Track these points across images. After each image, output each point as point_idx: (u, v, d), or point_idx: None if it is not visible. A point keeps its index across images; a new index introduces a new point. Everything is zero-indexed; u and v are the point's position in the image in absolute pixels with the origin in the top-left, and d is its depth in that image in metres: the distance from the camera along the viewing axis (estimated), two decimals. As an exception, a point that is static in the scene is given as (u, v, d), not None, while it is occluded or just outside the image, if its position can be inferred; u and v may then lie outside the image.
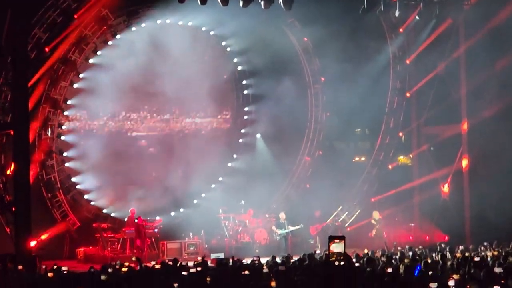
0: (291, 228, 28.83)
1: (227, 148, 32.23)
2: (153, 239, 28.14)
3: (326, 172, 31.39)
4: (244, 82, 32.66)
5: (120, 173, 29.29)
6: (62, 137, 28.38)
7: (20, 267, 18.99)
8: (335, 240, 19.15)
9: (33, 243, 23.65)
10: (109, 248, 27.41)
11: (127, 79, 29.09)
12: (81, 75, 28.27)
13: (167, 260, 22.37)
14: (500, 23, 28.70)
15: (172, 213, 30.57)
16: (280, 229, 28.78)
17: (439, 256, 19.42)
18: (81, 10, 26.61)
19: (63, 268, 17.94)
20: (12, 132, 23.85)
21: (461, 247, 22.97)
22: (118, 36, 28.31)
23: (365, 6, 27.37)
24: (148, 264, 20.39)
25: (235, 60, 32.16)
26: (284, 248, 28.01)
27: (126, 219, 28.24)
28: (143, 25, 28.92)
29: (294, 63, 32.08)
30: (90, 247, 28.02)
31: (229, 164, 32.48)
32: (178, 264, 18.66)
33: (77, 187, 28.97)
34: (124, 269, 17.12)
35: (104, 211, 29.40)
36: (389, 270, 15.50)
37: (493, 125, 29.13)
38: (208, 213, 29.98)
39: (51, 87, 27.28)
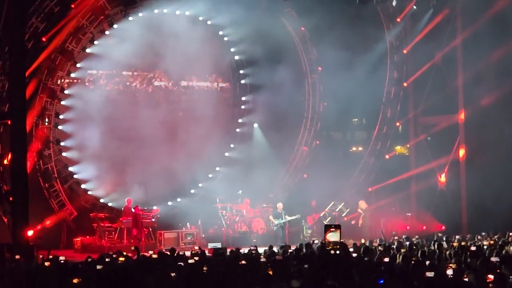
0: (288, 218, 28.87)
1: (224, 136, 32.20)
2: (150, 229, 28.15)
3: (323, 162, 31.39)
4: (241, 71, 32.65)
5: (118, 163, 29.24)
6: (59, 127, 28.35)
7: (17, 256, 19.00)
8: (331, 229, 19.18)
9: (30, 233, 23.65)
10: (106, 238, 27.44)
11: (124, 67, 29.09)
12: (78, 65, 28.25)
13: (164, 250, 22.39)
14: (497, 12, 28.71)
15: (169, 203, 30.55)
16: (277, 219, 28.80)
17: (436, 245, 19.45)
18: (78, 0, 26.57)
19: (61, 258, 17.92)
20: (9, 122, 23.77)
21: (458, 237, 23.05)
22: (115, 26, 28.28)
23: (362, -4, 27.41)
24: (145, 254, 20.38)
25: (232, 49, 32.13)
26: (281, 238, 28.07)
27: (123, 209, 28.27)
28: (140, 14, 28.88)
29: (291, 52, 32.02)
30: (87, 237, 28.05)
31: (226, 154, 32.47)
32: (175, 254, 18.65)
33: (74, 176, 28.97)
34: (121, 259, 17.09)
35: (101, 200, 29.40)
36: (386, 259, 15.53)
37: (490, 115, 29.20)
38: (205, 202, 30.02)
39: (48, 76, 27.24)
